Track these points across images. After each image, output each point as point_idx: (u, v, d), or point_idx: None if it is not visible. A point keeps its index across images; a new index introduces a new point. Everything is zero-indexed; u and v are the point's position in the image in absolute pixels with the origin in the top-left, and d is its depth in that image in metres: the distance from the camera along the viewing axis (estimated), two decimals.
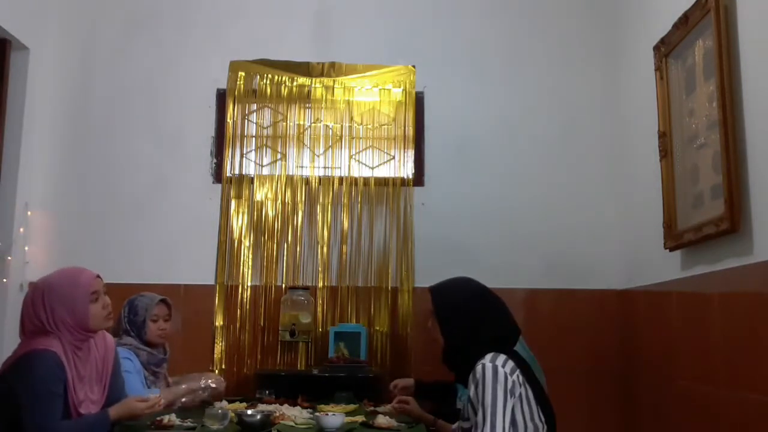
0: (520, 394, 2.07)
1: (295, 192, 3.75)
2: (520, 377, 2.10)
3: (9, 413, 2.14)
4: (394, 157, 3.80)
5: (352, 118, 3.84)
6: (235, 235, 3.70)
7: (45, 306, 2.25)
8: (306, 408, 2.72)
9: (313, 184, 3.76)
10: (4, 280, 3.39)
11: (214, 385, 2.87)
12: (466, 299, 2.28)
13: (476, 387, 2.06)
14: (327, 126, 3.84)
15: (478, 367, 2.08)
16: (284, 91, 3.83)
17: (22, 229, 3.50)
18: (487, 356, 2.11)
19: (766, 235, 2.29)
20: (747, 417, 2.34)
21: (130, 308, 2.92)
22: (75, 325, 2.26)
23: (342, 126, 3.83)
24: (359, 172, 3.80)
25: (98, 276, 2.39)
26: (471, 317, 2.23)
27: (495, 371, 2.05)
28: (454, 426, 2.31)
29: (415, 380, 2.99)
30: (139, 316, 2.89)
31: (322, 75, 3.83)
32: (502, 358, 2.11)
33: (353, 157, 3.81)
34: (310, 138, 3.83)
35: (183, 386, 2.82)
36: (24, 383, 2.15)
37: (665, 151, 3.01)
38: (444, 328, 2.28)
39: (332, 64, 3.83)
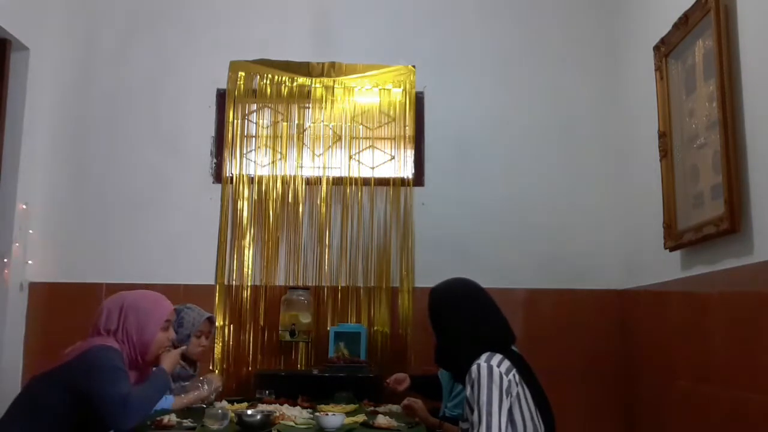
0: (518, 394, 2.07)
1: (295, 192, 3.75)
2: (516, 377, 2.09)
3: (74, 400, 2.14)
4: (394, 157, 3.80)
5: (352, 118, 3.84)
6: (236, 235, 3.70)
7: (121, 312, 2.31)
8: (306, 408, 2.72)
9: (313, 184, 3.76)
10: (4, 280, 3.39)
11: (218, 386, 2.81)
12: (459, 299, 2.28)
13: (472, 387, 2.06)
14: (327, 126, 3.84)
15: (474, 368, 2.07)
16: (284, 91, 3.83)
17: (21, 229, 3.50)
18: (482, 356, 2.10)
19: (766, 235, 2.29)
20: (747, 417, 2.34)
21: (176, 319, 2.84)
22: (138, 343, 2.29)
23: (342, 126, 3.83)
24: (359, 172, 3.80)
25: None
26: (465, 317, 2.23)
27: (490, 371, 2.04)
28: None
29: (409, 375, 3.06)
30: (185, 329, 2.89)
31: (322, 75, 3.83)
32: (497, 357, 2.10)
33: (353, 157, 3.81)
34: (310, 138, 3.83)
35: (192, 395, 2.71)
36: (92, 366, 2.16)
37: (665, 151, 3.01)
38: (438, 327, 2.30)
39: (332, 64, 3.83)
